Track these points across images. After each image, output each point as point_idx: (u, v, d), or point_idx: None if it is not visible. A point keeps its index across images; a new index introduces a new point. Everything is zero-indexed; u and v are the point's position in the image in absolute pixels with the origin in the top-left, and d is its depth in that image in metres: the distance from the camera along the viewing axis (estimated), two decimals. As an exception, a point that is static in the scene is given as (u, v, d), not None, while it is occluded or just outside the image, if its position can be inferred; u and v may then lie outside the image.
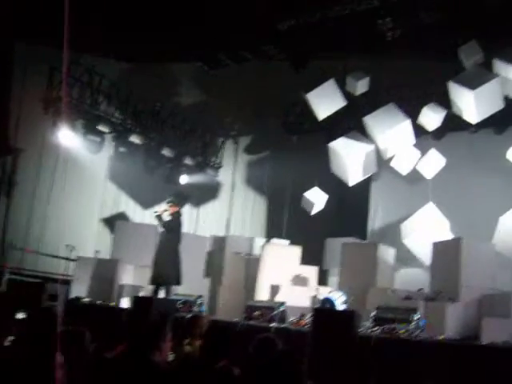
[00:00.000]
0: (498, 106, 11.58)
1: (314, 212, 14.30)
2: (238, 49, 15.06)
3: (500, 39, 12.13)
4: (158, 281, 11.20)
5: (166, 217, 11.41)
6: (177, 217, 11.52)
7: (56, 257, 13.11)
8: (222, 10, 12.81)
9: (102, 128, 13.74)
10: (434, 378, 6.68)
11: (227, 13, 12.89)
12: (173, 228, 11.42)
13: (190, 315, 6.85)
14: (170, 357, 5.80)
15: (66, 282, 12.18)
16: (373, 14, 12.56)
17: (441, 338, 8.45)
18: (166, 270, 11.13)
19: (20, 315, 6.99)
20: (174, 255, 11.26)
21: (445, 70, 12.72)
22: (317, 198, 14.26)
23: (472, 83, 11.13)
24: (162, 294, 11.16)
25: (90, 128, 13.56)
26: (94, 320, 4.98)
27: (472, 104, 11.28)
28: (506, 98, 11.63)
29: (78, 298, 11.84)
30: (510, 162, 12.22)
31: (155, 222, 11.81)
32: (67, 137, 13.18)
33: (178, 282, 11.22)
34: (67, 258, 12.77)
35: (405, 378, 6.98)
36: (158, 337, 4.36)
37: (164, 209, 11.49)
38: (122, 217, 15.57)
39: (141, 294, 11.62)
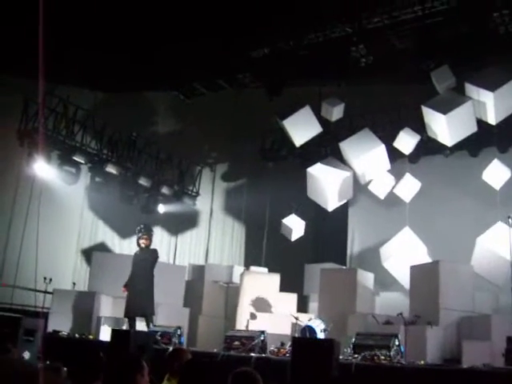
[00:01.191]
0: (471, 128, 11.74)
1: (293, 238, 14.27)
2: (213, 77, 15.12)
3: (471, 63, 12.32)
4: (138, 313, 11.05)
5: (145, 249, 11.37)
6: (153, 249, 11.49)
7: (33, 290, 12.91)
8: (196, 39, 12.88)
9: (77, 159, 13.63)
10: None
11: (202, 41, 12.96)
12: (156, 258, 11.38)
13: (171, 348, 6.71)
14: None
15: (44, 316, 11.99)
16: (346, 41, 12.71)
17: (421, 363, 8.42)
18: (147, 302, 11.02)
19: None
20: (151, 287, 11.16)
21: (418, 94, 12.88)
22: (295, 225, 14.24)
23: (444, 107, 11.29)
24: (139, 326, 11.00)
25: (65, 159, 13.46)
26: (72, 354, 4.88)
27: (445, 128, 11.43)
28: (480, 121, 11.76)
29: (55, 332, 11.66)
30: (486, 183, 12.32)
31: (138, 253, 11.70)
32: (43, 168, 13.04)
33: (153, 313, 11.11)
34: (44, 291, 12.58)
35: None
36: (135, 371, 4.27)
37: (142, 242, 11.42)
38: (100, 247, 15.44)
39: (124, 326, 11.47)
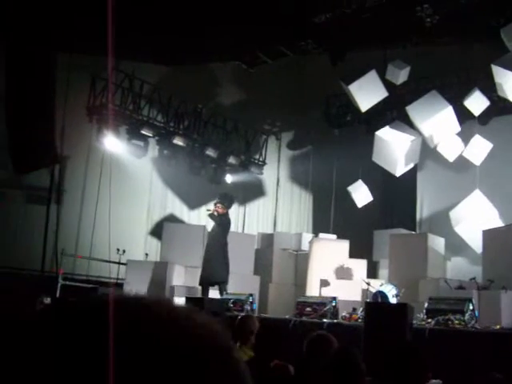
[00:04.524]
0: (544, 86, 11.32)
1: (361, 205, 14.17)
2: (275, 45, 15.03)
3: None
4: (211, 281, 11.32)
5: (216, 216, 11.64)
6: (226, 218, 11.69)
7: (107, 261, 13.30)
8: (257, 7, 12.80)
9: (145, 132, 13.88)
10: (494, 368, 6.56)
11: (263, 10, 12.88)
12: (225, 225, 11.60)
13: (239, 316, 6.79)
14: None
15: (119, 286, 12.36)
16: (411, 1, 12.40)
17: (497, 327, 8.31)
18: (219, 269, 11.26)
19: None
20: (224, 255, 11.40)
21: (487, 52, 12.48)
22: (361, 191, 14.14)
23: (515, 65, 10.91)
24: (211, 294, 11.25)
25: (133, 133, 13.72)
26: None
27: (517, 87, 11.06)
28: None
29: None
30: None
31: (208, 220, 12.02)
32: (112, 142, 13.35)
33: (225, 281, 11.36)
34: (118, 262, 12.95)
35: (462, 369, 6.88)
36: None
37: (214, 209, 11.68)
38: (170, 218, 15.72)
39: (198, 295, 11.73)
